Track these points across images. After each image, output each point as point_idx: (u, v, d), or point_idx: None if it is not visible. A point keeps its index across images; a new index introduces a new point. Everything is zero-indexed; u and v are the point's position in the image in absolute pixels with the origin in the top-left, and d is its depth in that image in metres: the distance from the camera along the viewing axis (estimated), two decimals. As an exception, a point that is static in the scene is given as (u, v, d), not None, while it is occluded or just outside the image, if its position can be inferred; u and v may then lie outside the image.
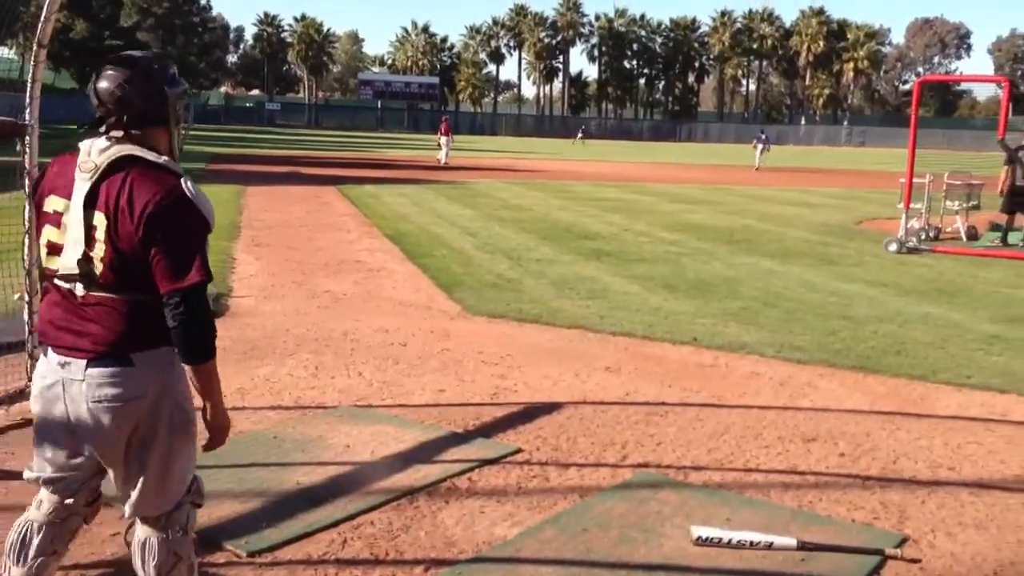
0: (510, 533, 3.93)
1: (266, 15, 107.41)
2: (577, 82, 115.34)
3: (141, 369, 2.59)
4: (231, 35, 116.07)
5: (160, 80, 2.67)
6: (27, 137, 4.87)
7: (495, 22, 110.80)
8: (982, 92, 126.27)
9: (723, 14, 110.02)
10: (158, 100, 2.65)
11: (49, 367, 2.64)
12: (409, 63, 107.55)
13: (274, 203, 17.84)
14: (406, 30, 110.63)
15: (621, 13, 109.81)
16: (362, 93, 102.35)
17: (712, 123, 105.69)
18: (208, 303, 2.64)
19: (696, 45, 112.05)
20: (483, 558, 3.72)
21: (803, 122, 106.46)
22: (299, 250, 12.03)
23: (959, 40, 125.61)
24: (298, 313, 8.24)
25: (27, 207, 3.64)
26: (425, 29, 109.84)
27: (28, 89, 4.93)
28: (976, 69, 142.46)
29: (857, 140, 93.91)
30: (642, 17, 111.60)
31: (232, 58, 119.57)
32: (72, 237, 2.57)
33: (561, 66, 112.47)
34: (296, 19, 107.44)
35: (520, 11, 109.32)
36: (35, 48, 4.95)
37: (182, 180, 2.60)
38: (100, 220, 2.54)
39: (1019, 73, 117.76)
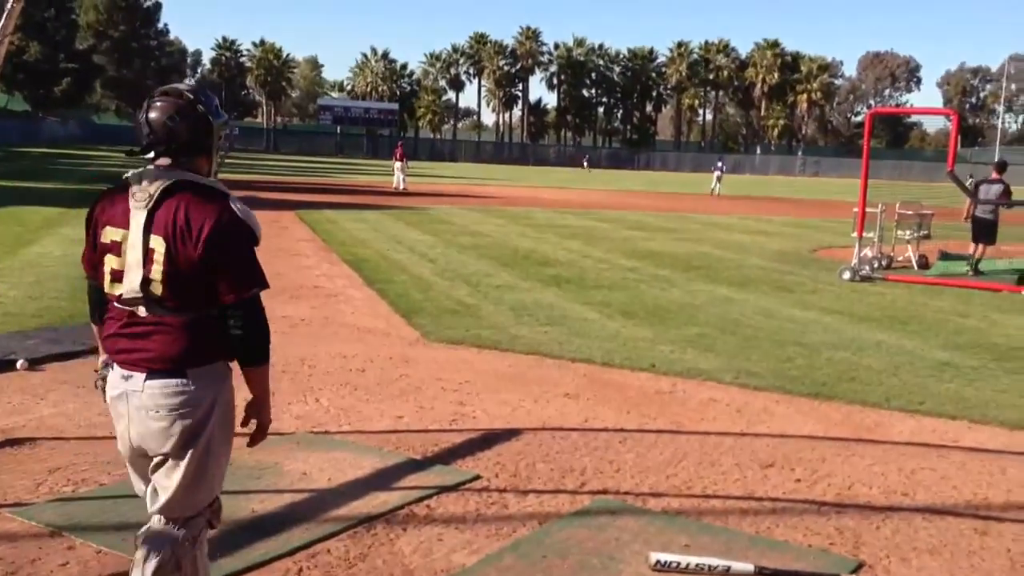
0: (469, 560, 3.91)
1: (224, 39, 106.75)
2: (536, 110, 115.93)
3: (195, 383, 2.80)
4: (189, 59, 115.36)
5: (205, 111, 2.88)
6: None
7: (455, 49, 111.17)
8: (932, 124, 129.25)
9: (680, 45, 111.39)
10: (204, 130, 2.87)
11: (115, 380, 2.87)
12: (368, 89, 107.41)
13: (231, 228, 17.65)
14: (366, 56, 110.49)
15: (580, 42, 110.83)
16: (321, 118, 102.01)
17: (670, 152, 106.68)
18: (264, 311, 2.86)
19: (653, 75, 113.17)
20: (441, 586, 3.68)
21: (759, 151, 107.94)
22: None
23: (909, 73, 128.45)
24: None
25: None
26: (385, 55, 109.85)
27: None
28: (926, 102, 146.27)
29: (811, 170, 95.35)
30: (601, 47, 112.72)
31: (190, 82, 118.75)
32: (133, 262, 2.77)
33: (521, 94, 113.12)
34: (255, 44, 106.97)
35: (480, 39, 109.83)
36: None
37: (229, 200, 2.82)
38: (159, 243, 2.74)
39: (967, 106, 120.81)
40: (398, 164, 35.38)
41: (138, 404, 2.80)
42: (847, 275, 13.71)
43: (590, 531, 4.26)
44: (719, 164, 45.51)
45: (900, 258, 15.78)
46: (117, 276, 2.81)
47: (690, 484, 4.98)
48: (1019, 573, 4.06)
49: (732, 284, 12.77)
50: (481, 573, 3.80)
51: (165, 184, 2.77)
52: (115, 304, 2.84)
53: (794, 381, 7.34)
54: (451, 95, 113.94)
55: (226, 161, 3.10)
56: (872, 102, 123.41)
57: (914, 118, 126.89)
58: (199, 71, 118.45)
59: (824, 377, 7.52)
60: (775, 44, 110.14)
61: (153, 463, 2.87)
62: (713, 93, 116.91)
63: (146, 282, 2.75)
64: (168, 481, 2.85)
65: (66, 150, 59.31)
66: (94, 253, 2.90)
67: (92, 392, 6.13)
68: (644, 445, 5.61)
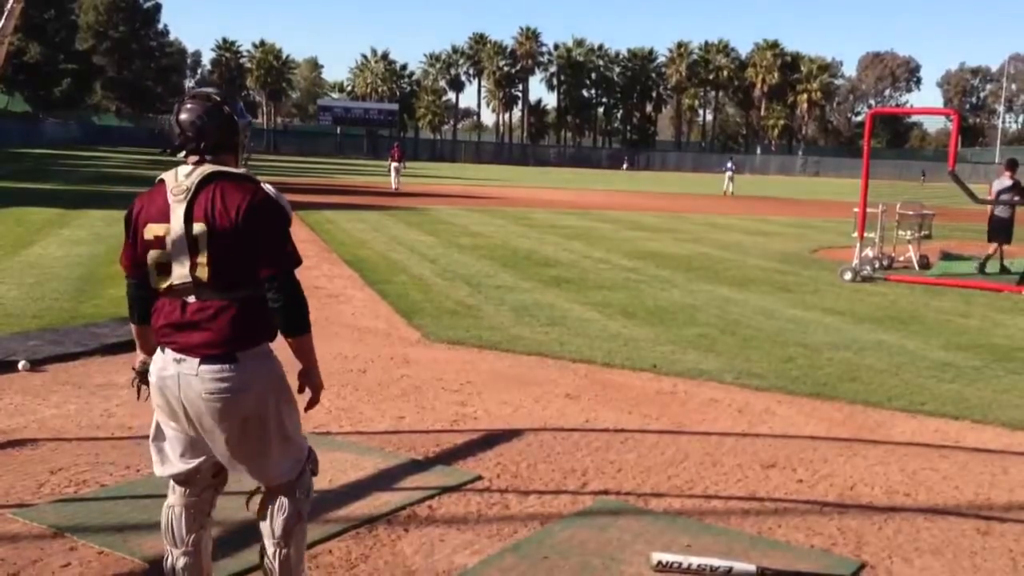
0: (470, 561, 3.90)
1: (224, 40, 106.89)
2: (536, 110, 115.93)
3: (245, 365, 2.99)
4: (188, 60, 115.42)
5: (231, 113, 3.11)
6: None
7: (455, 50, 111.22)
8: (932, 124, 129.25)
9: (680, 45, 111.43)
10: (230, 130, 3.10)
11: (166, 362, 3.02)
12: (368, 90, 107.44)
13: (232, 228, 17.64)
14: (365, 57, 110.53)
15: (579, 43, 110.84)
16: (321, 119, 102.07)
17: (670, 152, 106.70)
18: (300, 285, 3.04)
19: (653, 75, 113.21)
20: (443, 587, 3.68)
21: (759, 152, 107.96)
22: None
23: (909, 73, 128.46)
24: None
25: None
26: (384, 56, 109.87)
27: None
28: (926, 102, 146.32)
29: (812, 170, 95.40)
30: (600, 47, 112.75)
31: (189, 83, 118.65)
32: (179, 251, 2.96)
33: (520, 94, 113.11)
34: (255, 45, 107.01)
35: (480, 40, 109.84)
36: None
37: (261, 183, 3.07)
38: (200, 229, 2.93)
39: (967, 106, 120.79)
40: (394, 165, 35.47)
41: (193, 388, 2.97)
42: (848, 275, 13.70)
43: (592, 532, 4.26)
44: (729, 165, 45.98)
45: (901, 258, 15.77)
46: (164, 269, 3.00)
47: (692, 484, 4.98)
48: (1021, 574, 4.06)
49: (733, 284, 12.77)
50: (483, 574, 3.80)
51: (201, 176, 2.97)
52: (164, 297, 3.04)
53: (795, 381, 7.34)
54: (451, 96, 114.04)
55: (249, 160, 3.28)
56: (872, 102, 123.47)
57: (914, 118, 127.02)
58: (199, 72, 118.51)
59: (825, 377, 7.52)
60: (775, 44, 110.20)
61: (235, 453, 3.06)
62: (713, 93, 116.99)
63: (193, 268, 2.94)
64: (262, 458, 3.09)
65: (66, 151, 59.39)
66: (135, 252, 3.08)
67: (93, 393, 6.17)
68: (645, 445, 5.61)
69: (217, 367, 2.95)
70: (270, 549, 3.18)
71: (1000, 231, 15.04)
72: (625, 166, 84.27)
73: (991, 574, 4.03)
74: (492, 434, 5.71)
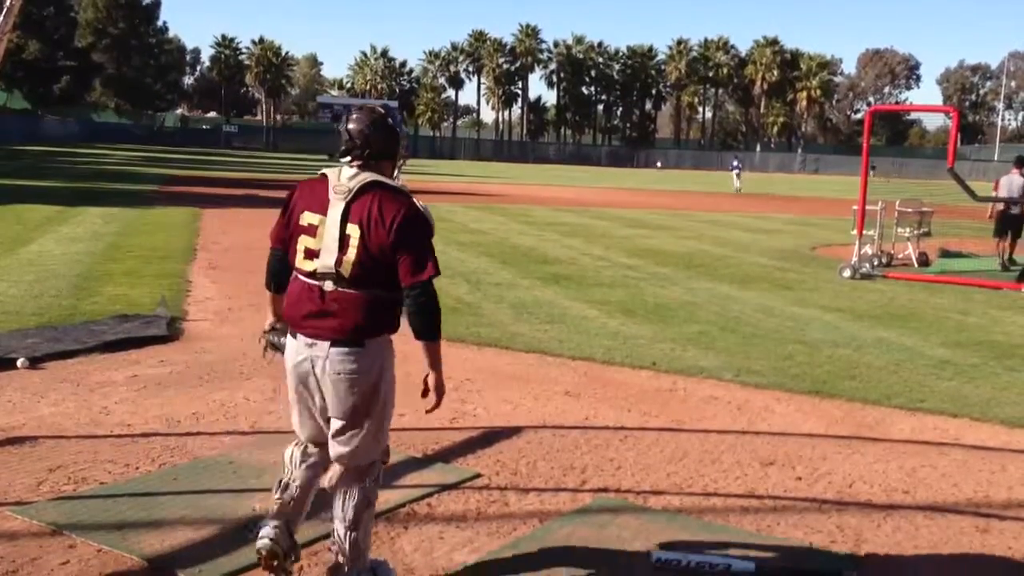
0: (469, 559, 3.90)
1: (224, 37, 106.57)
2: (536, 107, 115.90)
3: (370, 351, 3.33)
4: (188, 57, 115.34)
5: (393, 125, 3.47)
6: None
7: (454, 47, 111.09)
8: (931, 122, 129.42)
9: (679, 43, 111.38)
10: (392, 140, 3.46)
11: (299, 346, 3.39)
12: (368, 87, 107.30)
13: (231, 226, 17.67)
14: (365, 54, 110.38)
15: (579, 40, 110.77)
16: (321, 116, 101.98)
17: (670, 149, 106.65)
18: (436, 295, 3.36)
19: (653, 72, 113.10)
20: (442, 585, 3.68)
21: (758, 149, 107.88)
22: (257, 273, 11.83)
23: (909, 71, 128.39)
24: (256, 337, 8.11)
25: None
26: (384, 53, 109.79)
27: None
28: (925, 99, 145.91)
29: (811, 167, 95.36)
30: (600, 44, 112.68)
31: (189, 80, 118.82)
32: (329, 243, 3.30)
33: (520, 91, 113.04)
34: (254, 42, 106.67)
35: (479, 37, 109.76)
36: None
37: (413, 199, 3.37)
38: (354, 230, 3.27)
39: (967, 104, 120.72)
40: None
41: (323, 368, 3.32)
42: (847, 273, 13.70)
43: (591, 529, 4.26)
44: (736, 163, 46.86)
45: (900, 256, 15.78)
46: (311, 254, 3.35)
47: (691, 482, 4.98)
48: (1020, 571, 4.06)
49: (732, 282, 12.76)
50: (482, 571, 3.80)
51: (362, 183, 3.32)
52: (303, 277, 3.38)
53: (795, 379, 7.34)
54: (450, 93, 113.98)
55: (404, 166, 3.67)
56: (872, 99, 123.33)
57: (913, 116, 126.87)
58: (198, 69, 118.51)
59: (824, 375, 7.52)
60: (774, 41, 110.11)
61: (337, 424, 3.38)
62: (713, 91, 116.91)
63: (339, 262, 3.28)
64: (355, 436, 3.39)
65: (65, 148, 59.35)
66: (286, 231, 3.48)
67: (92, 391, 6.17)
68: (645, 443, 5.61)
69: (346, 350, 3.30)
70: (340, 531, 3.45)
71: (1009, 226, 15.23)
72: (659, 164, 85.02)
73: (990, 572, 4.03)
74: (491, 432, 5.71)
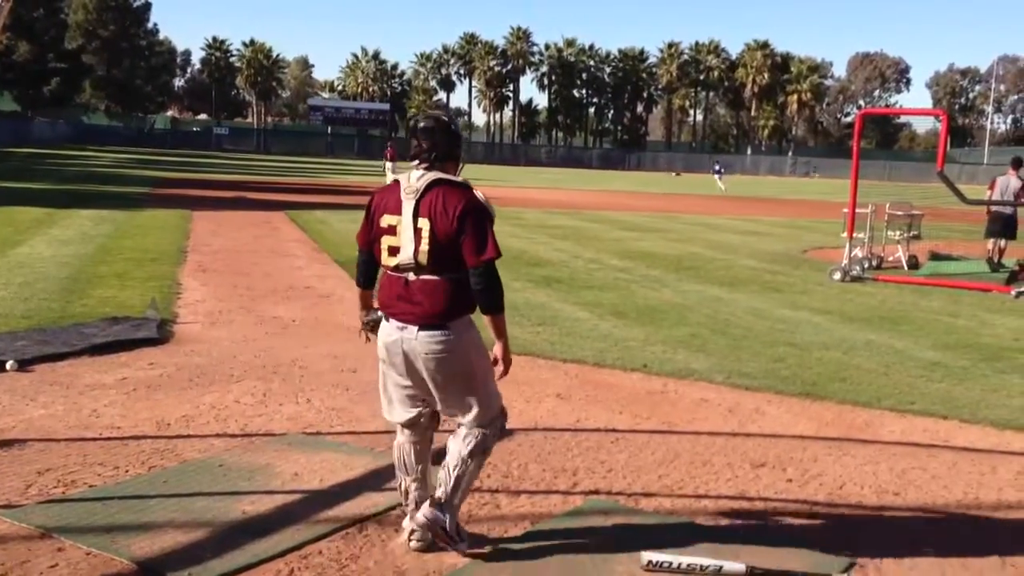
0: (460, 561, 3.90)
1: (214, 39, 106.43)
2: (527, 110, 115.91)
3: (454, 331, 3.77)
4: (178, 59, 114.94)
5: (456, 130, 3.91)
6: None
7: (445, 50, 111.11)
8: (921, 125, 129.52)
9: (670, 46, 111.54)
10: (455, 143, 3.88)
11: (391, 329, 3.84)
12: (359, 89, 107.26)
13: (221, 228, 17.64)
14: (356, 56, 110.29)
15: (570, 43, 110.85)
16: (312, 119, 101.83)
17: (661, 152, 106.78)
18: (497, 274, 3.76)
19: (644, 75, 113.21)
20: (433, 587, 3.67)
21: (749, 152, 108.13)
22: (247, 276, 11.90)
23: (899, 74, 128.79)
24: (246, 339, 8.13)
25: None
26: (375, 56, 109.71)
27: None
28: (915, 103, 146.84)
29: (802, 170, 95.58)
30: (591, 47, 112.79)
31: (179, 82, 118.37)
32: (406, 239, 3.73)
33: (511, 94, 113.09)
34: (245, 44, 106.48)
35: (471, 40, 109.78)
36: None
37: (473, 191, 3.77)
38: (425, 224, 3.69)
39: (956, 107, 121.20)
40: (389, 164, 35.37)
41: (413, 349, 3.76)
42: (837, 275, 13.74)
43: (582, 531, 4.25)
44: (717, 167, 48.45)
45: (890, 258, 15.82)
46: (393, 251, 3.78)
47: (682, 484, 4.98)
48: (1009, 571, 4.07)
49: (723, 284, 12.78)
50: (473, 574, 3.79)
51: (428, 181, 3.73)
52: (390, 272, 3.83)
53: (785, 381, 7.35)
54: (442, 95, 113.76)
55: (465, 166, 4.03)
56: (862, 103, 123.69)
57: (903, 119, 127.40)
58: (189, 71, 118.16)
59: (815, 377, 7.53)
60: (765, 45, 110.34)
61: (445, 399, 3.85)
62: (703, 93, 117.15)
63: (416, 253, 3.70)
64: (470, 403, 3.84)
65: (55, 150, 59.16)
66: (370, 233, 3.90)
67: (82, 393, 6.15)
68: (636, 445, 5.61)
69: (434, 332, 3.73)
70: (451, 464, 3.86)
71: (1002, 227, 15.33)
72: (676, 173, 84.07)
73: (980, 572, 4.05)
74: (482, 434, 5.69)
